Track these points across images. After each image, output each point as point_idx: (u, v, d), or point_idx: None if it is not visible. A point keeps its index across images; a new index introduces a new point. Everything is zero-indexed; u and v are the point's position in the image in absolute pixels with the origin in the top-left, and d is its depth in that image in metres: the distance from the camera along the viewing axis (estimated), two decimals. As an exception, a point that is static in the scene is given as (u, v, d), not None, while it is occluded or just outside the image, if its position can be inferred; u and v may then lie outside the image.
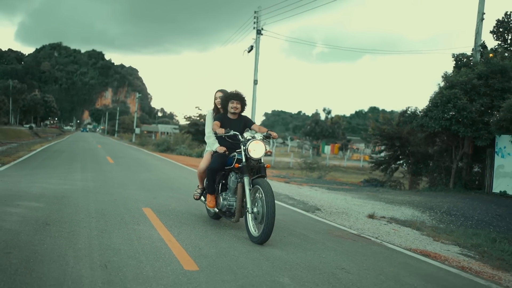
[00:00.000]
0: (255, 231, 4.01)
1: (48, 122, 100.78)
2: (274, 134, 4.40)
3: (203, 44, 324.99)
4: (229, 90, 4.72)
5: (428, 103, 13.30)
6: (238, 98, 4.62)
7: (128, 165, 13.30)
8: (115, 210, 5.13)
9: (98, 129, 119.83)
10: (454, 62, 14.32)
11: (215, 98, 4.96)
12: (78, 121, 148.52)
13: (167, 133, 63.85)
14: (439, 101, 12.55)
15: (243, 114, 4.82)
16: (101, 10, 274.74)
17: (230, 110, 4.64)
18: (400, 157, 17.46)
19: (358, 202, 9.31)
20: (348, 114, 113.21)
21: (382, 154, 18.76)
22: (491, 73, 12.22)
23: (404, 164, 17.37)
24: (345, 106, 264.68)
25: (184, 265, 3.10)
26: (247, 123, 4.72)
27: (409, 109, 15.52)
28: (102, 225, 4.26)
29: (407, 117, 14.88)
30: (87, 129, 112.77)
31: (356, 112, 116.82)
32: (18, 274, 2.67)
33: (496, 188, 12.15)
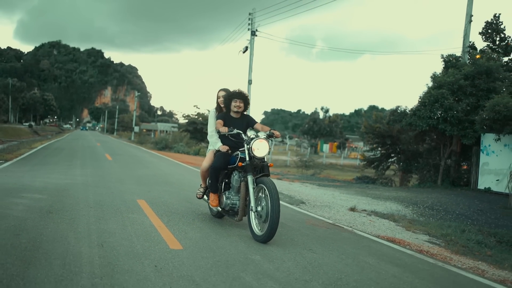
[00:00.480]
0: (259, 230, 4.01)
1: (47, 121, 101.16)
2: (277, 133, 4.41)
3: (202, 42, 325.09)
4: (231, 89, 4.75)
5: (417, 102, 13.79)
6: (241, 97, 4.64)
7: (125, 162, 13.78)
8: (112, 201, 5.61)
9: (97, 128, 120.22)
10: (443, 63, 14.77)
11: (218, 97, 4.94)
12: (78, 120, 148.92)
13: (166, 131, 64.27)
14: (427, 100, 13.02)
15: (245, 113, 4.83)
16: (100, 8, 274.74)
17: (233, 109, 4.66)
18: (392, 155, 17.94)
19: (345, 197, 9.74)
20: (347, 113, 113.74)
21: (378, 153, 19.22)
22: (477, 73, 12.68)
23: (395, 162, 17.85)
24: (344, 104, 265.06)
25: (170, 245, 3.59)
26: (249, 122, 4.74)
27: (399, 108, 16.01)
28: (100, 213, 4.73)
29: (397, 115, 15.36)
30: (87, 128, 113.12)
31: (355, 110, 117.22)
32: (27, 250, 3.15)
33: (481, 185, 12.62)
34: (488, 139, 12.47)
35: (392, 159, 17.95)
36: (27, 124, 70.91)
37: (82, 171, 9.49)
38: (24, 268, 2.75)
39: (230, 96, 4.65)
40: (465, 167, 14.59)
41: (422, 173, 15.70)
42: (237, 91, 4.67)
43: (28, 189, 6.16)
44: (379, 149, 18.17)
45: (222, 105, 4.85)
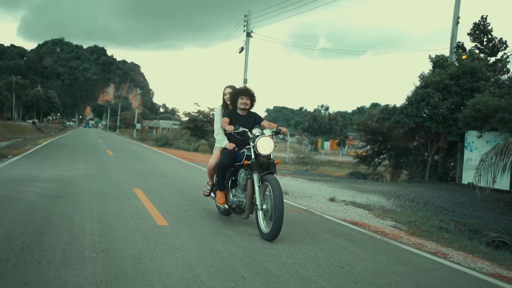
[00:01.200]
0: (266, 227, 4.04)
1: (50, 118, 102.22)
2: (284, 129, 4.38)
3: (205, 40, 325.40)
4: (237, 86, 4.79)
5: (404, 101, 14.41)
6: (248, 94, 4.62)
7: (126, 157, 14.52)
8: (111, 189, 6.34)
9: (100, 125, 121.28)
10: (431, 63, 15.36)
11: (224, 94, 4.92)
12: (81, 117, 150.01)
13: (168, 128, 64.98)
14: (413, 99, 13.66)
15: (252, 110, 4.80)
16: (103, 5, 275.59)
17: (239, 106, 4.64)
18: (383, 151, 18.57)
19: (331, 190, 10.35)
20: (350, 110, 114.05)
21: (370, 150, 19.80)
22: (462, 73, 13.30)
23: (387, 158, 18.49)
24: (347, 102, 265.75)
25: (158, 222, 4.31)
26: (256, 119, 4.73)
27: (389, 106, 16.64)
28: (100, 199, 5.46)
29: (386, 113, 15.99)
30: (90, 125, 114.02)
31: (358, 108, 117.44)
32: (41, 224, 3.88)
33: (465, 180, 13.24)
34: (471, 136, 13.07)
35: (383, 156, 18.60)
36: (30, 121, 71.90)
37: (85, 165, 10.22)
38: (39, 236, 3.47)
39: (236, 93, 4.65)
40: (455, 163, 15.19)
41: (412, 169, 16.35)
42: (244, 88, 4.70)
43: (37, 179, 6.90)
44: (370, 145, 18.80)
45: (228, 102, 4.83)
